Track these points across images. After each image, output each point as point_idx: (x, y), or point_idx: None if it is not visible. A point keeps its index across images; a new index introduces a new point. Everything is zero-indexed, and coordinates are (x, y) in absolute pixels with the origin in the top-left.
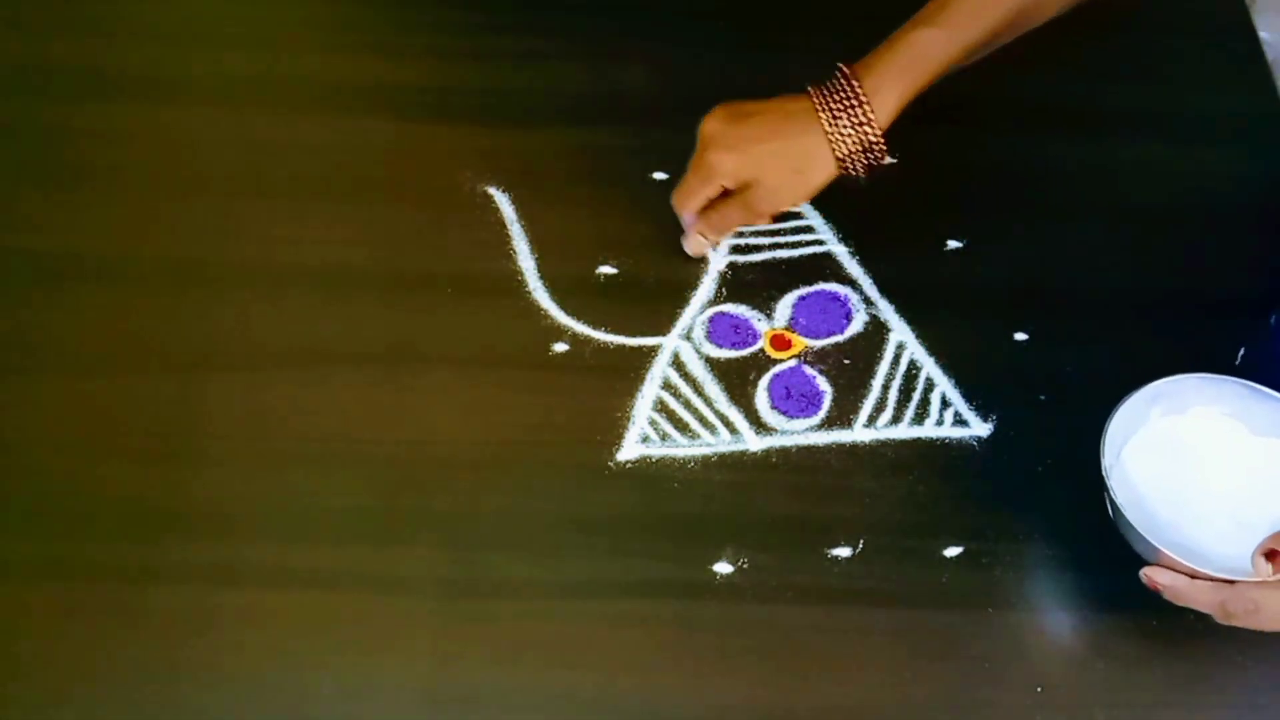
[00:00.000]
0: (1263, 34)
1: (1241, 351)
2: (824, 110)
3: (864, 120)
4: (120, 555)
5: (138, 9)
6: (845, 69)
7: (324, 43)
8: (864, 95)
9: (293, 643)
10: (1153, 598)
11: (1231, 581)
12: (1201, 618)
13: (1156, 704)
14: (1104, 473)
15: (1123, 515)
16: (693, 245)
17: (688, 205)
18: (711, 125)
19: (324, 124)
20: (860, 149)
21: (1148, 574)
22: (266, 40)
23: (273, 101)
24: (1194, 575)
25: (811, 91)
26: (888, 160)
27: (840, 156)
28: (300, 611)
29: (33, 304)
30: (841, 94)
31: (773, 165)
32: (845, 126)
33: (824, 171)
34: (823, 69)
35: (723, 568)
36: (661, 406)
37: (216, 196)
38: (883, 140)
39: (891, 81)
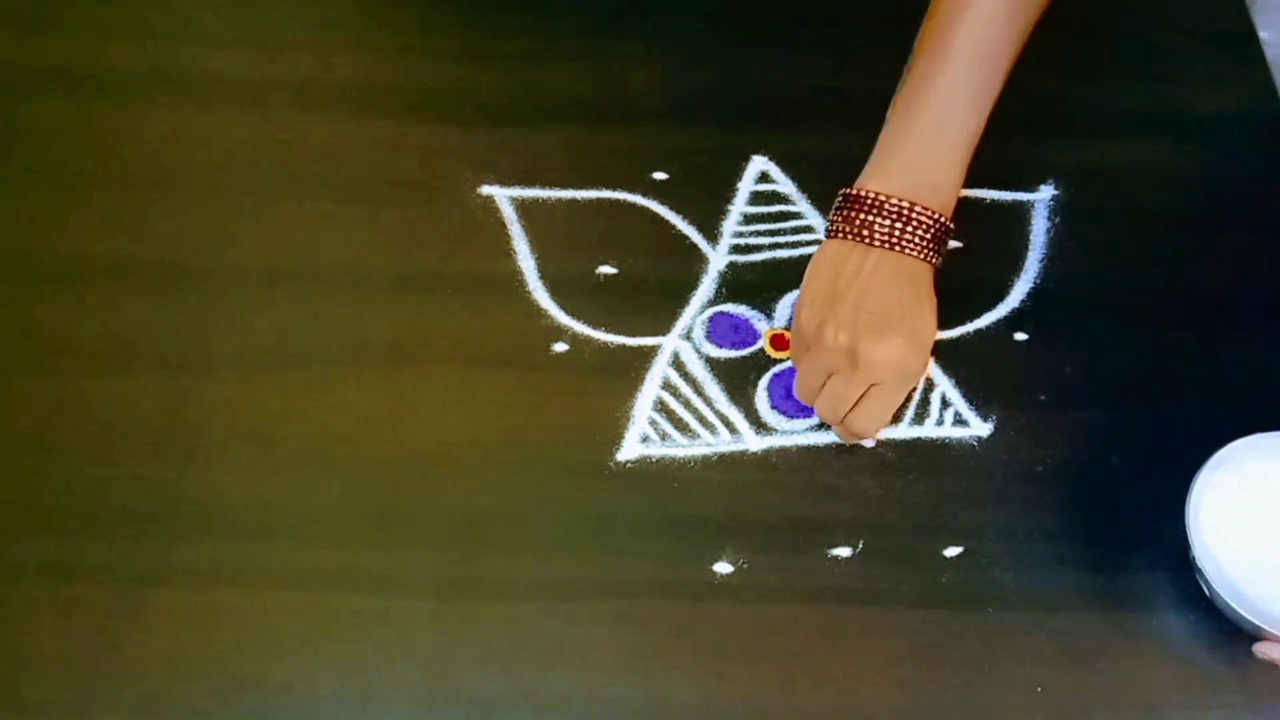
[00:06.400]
0: (1263, 34)
1: None
2: (917, 251)
3: (941, 229)
4: (120, 555)
5: (135, 9)
6: (903, 203)
7: (323, 43)
8: (935, 215)
9: (293, 643)
10: (1149, 598)
11: None
12: (1202, 618)
13: (1156, 704)
14: (1193, 560)
15: (1221, 598)
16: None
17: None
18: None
19: (323, 124)
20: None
21: (1261, 650)
22: (265, 40)
23: (272, 102)
24: None
25: (876, 240)
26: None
27: (937, 266)
28: (300, 611)
29: (31, 304)
30: (910, 228)
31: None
32: (931, 247)
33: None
34: (825, 68)
35: (723, 568)
36: (661, 406)
37: (215, 196)
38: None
39: (945, 180)
